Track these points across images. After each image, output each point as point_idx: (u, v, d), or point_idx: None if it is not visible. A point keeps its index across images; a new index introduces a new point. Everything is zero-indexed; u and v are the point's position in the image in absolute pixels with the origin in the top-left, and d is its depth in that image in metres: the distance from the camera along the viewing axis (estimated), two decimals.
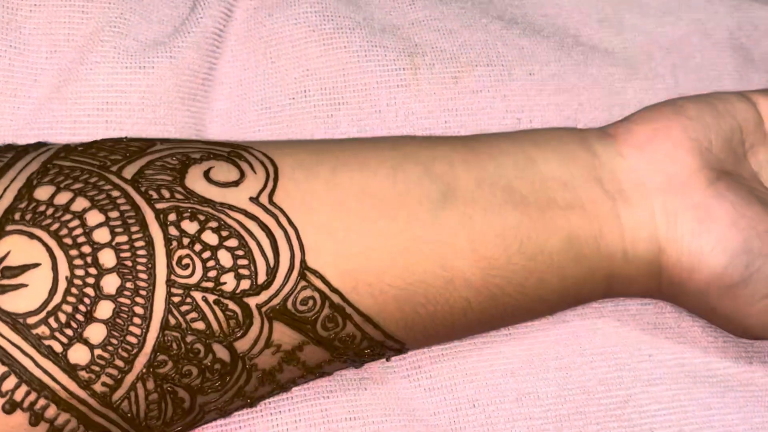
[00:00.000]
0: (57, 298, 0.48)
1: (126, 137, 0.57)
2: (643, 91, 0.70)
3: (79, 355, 0.48)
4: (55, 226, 0.50)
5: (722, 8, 0.76)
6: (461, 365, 0.63)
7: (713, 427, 0.63)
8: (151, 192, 0.52)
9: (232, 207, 0.52)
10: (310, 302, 0.53)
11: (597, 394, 0.63)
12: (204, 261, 0.51)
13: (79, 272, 0.49)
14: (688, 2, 0.76)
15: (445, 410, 0.61)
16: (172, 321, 0.50)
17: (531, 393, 0.62)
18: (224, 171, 0.54)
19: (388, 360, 0.62)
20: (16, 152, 0.54)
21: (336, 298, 0.53)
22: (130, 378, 0.49)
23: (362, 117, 0.66)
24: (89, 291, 0.49)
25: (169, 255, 0.50)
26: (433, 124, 0.67)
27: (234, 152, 0.55)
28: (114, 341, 0.49)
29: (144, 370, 0.50)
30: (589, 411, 0.63)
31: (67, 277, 0.49)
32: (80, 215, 0.50)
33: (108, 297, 0.49)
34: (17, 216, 0.50)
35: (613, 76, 0.70)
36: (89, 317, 0.48)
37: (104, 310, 0.49)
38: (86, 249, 0.49)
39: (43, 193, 0.51)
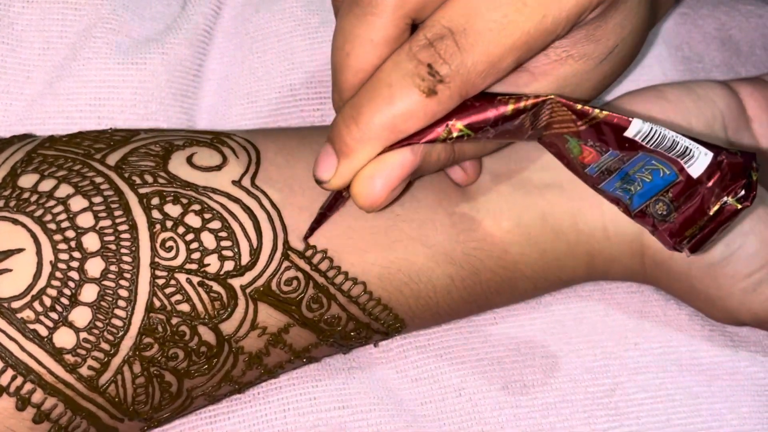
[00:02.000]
0: (41, 282, 0.49)
1: (111, 128, 0.58)
2: (629, 81, 0.71)
3: (64, 338, 0.49)
4: (39, 212, 0.50)
5: (709, 2, 0.76)
6: (447, 354, 0.63)
7: (701, 415, 0.63)
8: (134, 177, 0.52)
9: (215, 190, 0.53)
10: (294, 283, 0.53)
11: (584, 383, 0.63)
12: (187, 243, 0.51)
13: (63, 256, 0.49)
14: None
15: (431, 400, 0.62)
16: (157, 303, 0.50)
17: (517, 381, 0.63)
18: (207, 156, 0.54)
19: (375, 346, 0.62)
20: (0, 143, 0.55)
21: (319, 278, 0.54)
22: (116, 361, 0.50)
23: None
24: (73, 275, 0.49)
25: (153, 238, 0.51)
26: None
27: (217, 138, 0.56)
28: (99, 324, 0.49)
29: (130, 353, 0.50)
30: (575, 399, 0.63)
31: (51, 262, 0.49)
32: (64, 201, 0.51)
33: (92, 280, 0.49)
34: (1, 203, 0.50)
35: None
36: (74, 301, 0.49)
37: (89, 293, 0.49)
38: (70, 234, 0.50)
39: (27, 180, 0.51)
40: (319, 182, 0.50)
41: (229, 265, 0.52)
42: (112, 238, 0.50)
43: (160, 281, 0.50)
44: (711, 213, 0.48)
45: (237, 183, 0.54)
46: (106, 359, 0.50)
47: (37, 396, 0.49)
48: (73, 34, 0.64)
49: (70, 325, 0.49)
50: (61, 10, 0.64)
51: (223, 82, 0.67)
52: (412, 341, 0.63)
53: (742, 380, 0.64)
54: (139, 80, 0.64)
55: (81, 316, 0.49)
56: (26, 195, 0.51)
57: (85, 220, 0.50)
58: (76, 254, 0.50)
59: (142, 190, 0.52)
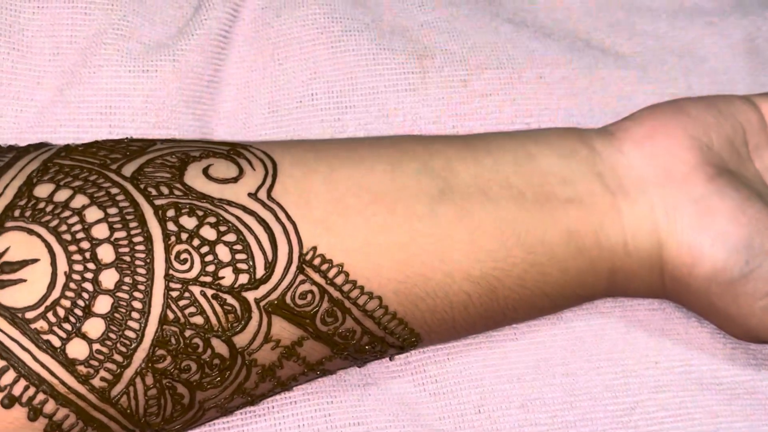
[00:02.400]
0: (55, 293, 0.49)
1: (127, 138, 0.58)
2: (654, 95, 0.71)
3: (77, 349, 0.49)
4: (54, 222, 0.50)
5: (735, 11, 0.76)
6: (467, 370, 0.63)
7: None
8: (150, 189, 0.52)
9: (230, 203, 0.53)
10: (309, 296, 0.53)
11: (604, 401, 0.63)
12: (202, 256, 0.51)
13: (78, 267, 0.49)
14: (700, 6, 0.76)
15: (450, 415, 0.61)
16: (171, 315, 0.50)
17: (537, 399, 0.62)
18: (223, 168, 0.54)
19: (391, 359, 0.62)
20: (17, 152, 0.55)
21: (335, 292, 0.53)
22: (128, 373, 0.50)
23: (369, 121, 0.67)
24: (88, 286, 0.49)
25: (168, 250, 0.51)
26: (441, 128, 0.67)
27: (233, 150, 0.56)
28: (112, 336, 0.49)
29: (143, 365, 0.50)
30: (595, 417, 0.62)
31: (65, 272, 0.49)
32: (79, 212, 0.51)
33: (106, 292, 0.49)
34: (17, 213, 0.50)
35: (624, 80, 0.71)
36: (88, 312, 0.49)
37: (103, 304, 0.49)
38: (85, 245, 0.50)
39: (42, 190, 0.51)
40: None
41: (243, 278, 0.52)
42: (126, 249, 0.50)
43: (174, 293, 0.50)
44: None
45: (253, 195, 0.53)
46: (118, 371, 0.49)
47: (49, 406, 0.49)
48: (83, 40, 0.65)
49: (84, 337, 0.49)
50: (71, 16, 0.65)
51: (243, 89, 0.67)
52: (431, 356, 0.63)
53: (763, 399, 0.64)
54: (150, 88, 0.64)
55: (94, 327, 0.49)
56: (42, 205, 0.51)
57: (100, 231, 0.50)
58: (91, 265, 0.49)
59: (157, 202, 0.52)
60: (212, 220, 0.52)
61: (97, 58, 0.64)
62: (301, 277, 0.53)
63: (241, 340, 0.52)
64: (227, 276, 0.51)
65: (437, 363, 0.62)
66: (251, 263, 0.52)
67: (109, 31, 0.64)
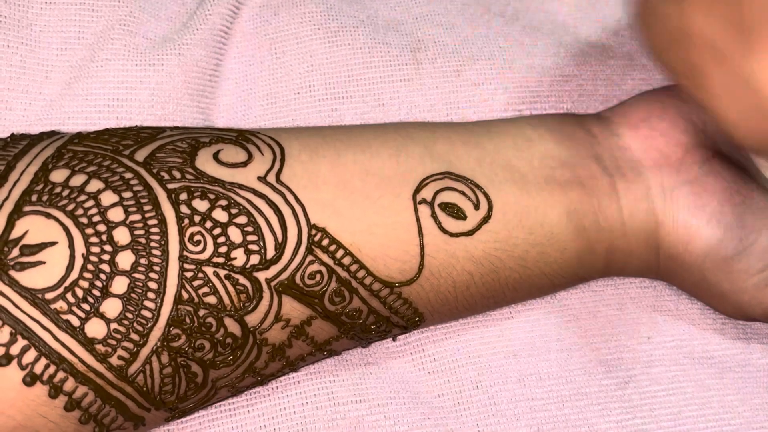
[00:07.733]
0: (74, 274, 0.50)
1: (137, 125, 0.59)
2: (643, 82, 0.71)
3: (95, 328, 0.50)
4: (71, 206, 0.51)
5: None
6: (464, 348, 0.64)
7: (712, 407, 0.64)
8: (162, 173, 0.53)
9: (241, 186, 0.54)
10: (318, 276, 0.54)
11: (598, 375, 0.64)
12: (215, 237, 0.52)
13: (95, 249, 0.51)
14: None
15: (448, 392, 0.63)
16: (185, 295, 0.51)
17: (533, 374, 0.64)
18: (233, 153, 0.56)
19: (394, 340, 0.63)
20: (31, 139, 0.56)
21: (342, 273, 0.55)
22: (145, 351, 0.51)
23: (366, 110, 0.68)
24: (105, 267, 0.50)
25: (181, 232, 0.52)
26: (435, 116, 0.68)
27: (242, 136, 0.57)
28: (129, 315, 0.50)
29: (158, 344, 0.51)
30: (590, 392, 0.64)
31: (83, 254, 0.50)
32: (95, 196, 0.52)
33: (123, 273, 0.51)
34: (34, 197, 0.51)
35: (612, 68, 0.71)
36: (105, 292, 0.50)
37: (119, 285, 0.50)
38: (101, 227, 0.51)
39: (58, 175, 0.53)
40: None
41: (255, 259, 0.53)
42: (142, 232, 0.51)
43: (189, 274, 0.52)
44: None
45: (262, 179, 0.55)
46: (135, 349, 0.51)
47: (69, 384, 0.50)
48: (90, 35, 0.65)
49: (102, 316, 0.50)
50: (78, 11, 0.66)
51: (241, 82, 0.68)
52: (429, 335, 0.64)
53: (754, 372, 0.65)
54: (156, 81, 0.65)
55: (112, 307, 0.50)
56: (58, 190, 0.52)
57: (116, 214, 0.52)
58: (108, 247, 0.51)
59: (170, 186, 0.53)
60: (224, 203, 0.53)
61: (104, 53, 0.64)
62: (310, 258, 0.54)
63: (252, 319, 0.53)
64: (239, 257, 0.53)
65: (435, 342, 0.64)
66: (262, 244, 0.53)
67: (116, 26, 0.65)
